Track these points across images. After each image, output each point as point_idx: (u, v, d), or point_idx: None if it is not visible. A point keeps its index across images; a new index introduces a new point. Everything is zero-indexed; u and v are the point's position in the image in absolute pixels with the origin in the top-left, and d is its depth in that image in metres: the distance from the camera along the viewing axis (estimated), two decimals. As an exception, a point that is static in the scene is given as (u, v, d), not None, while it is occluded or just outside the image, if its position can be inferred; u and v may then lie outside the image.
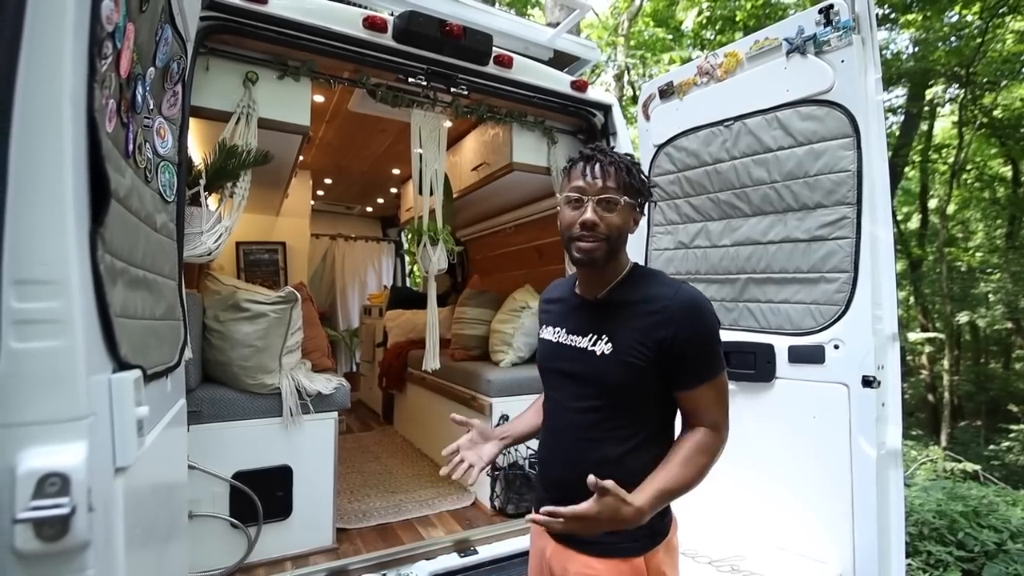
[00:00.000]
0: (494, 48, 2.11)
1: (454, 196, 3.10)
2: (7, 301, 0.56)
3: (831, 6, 1.61)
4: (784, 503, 1.66)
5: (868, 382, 1.50)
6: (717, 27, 8.86)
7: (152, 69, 1.14)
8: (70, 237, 0.60)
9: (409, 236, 2.35)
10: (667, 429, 1.06)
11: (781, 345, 1.70)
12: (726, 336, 1.86)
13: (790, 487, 1.64)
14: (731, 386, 1.81)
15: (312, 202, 4.39)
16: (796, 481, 1.63)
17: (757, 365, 1.74)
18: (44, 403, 0.57)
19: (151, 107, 1.20)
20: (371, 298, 5.03)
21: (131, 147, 1.03)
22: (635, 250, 2.29)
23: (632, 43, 8.49)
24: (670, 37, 8.59)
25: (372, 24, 1.90)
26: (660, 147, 2.11)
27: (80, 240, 0.61)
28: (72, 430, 0.58)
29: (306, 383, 1.91)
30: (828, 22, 1.62)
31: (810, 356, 1.63)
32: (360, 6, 2.10)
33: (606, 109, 2.44)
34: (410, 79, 2.06)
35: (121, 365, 0.73)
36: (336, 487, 1.98)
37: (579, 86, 2.34)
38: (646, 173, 1.05)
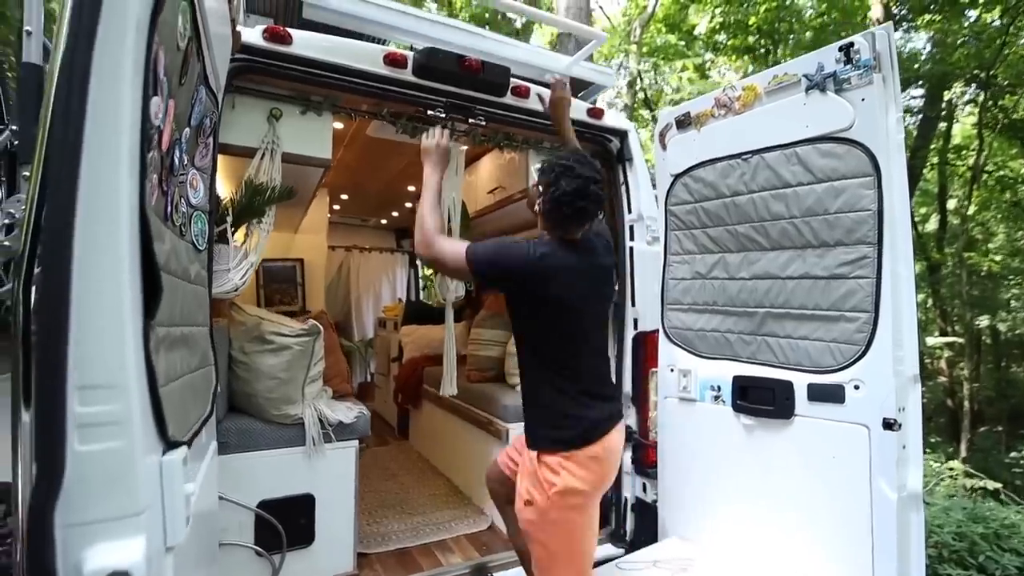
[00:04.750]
0: (511, 79, 2.13)
1: (470, 217, 3.13)
2: (71, 406, 0.59)
3: (851, 44, 1.60)
4: (803, 543, 1.66)
5: (889, 425, 1.50)
6: (731, 32, 8.81)
7: (187, 129, 1.18)
8: (128, 341, 0.63)
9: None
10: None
11: (800, 382, 1.70)
12: (744, 370, 1.87)
13: (809, 527, 1.64)
14: (749, 421, 1.83)
15: (328, 214, 4.46)
16: (815, 521, 1.63)
17: (776, 402, 1.74)
18: (106, 502, 0.61)
19: (185, 163, 1.24)
20: (386, 310, 5.09)
21: (169, 209, 1.07)
22: (651, 278, 2.31)
23: (644, 49, 8.46)
24: (682, 43, 8.54)
25: (393, 60, 1.94)
26: (677, 177, 2.12)
27: (136, 343, 0.65)
28: (132, 525, 0.62)
29: (328, 413, 1.95)
30: (848, 60, 1.61)
31: (830, 395, 1.63)
32: (380, 41, 2.14)
33: (622, 135, 2.45)
34: (429, 111, 2.09)
35: (169, 444, 0.77)
36: (357, 514, 2.02)
37: (595, 113, 2.36)
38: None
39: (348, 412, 2.01)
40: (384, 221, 5.50)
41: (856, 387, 1.58)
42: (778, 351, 1.80)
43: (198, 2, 0.96)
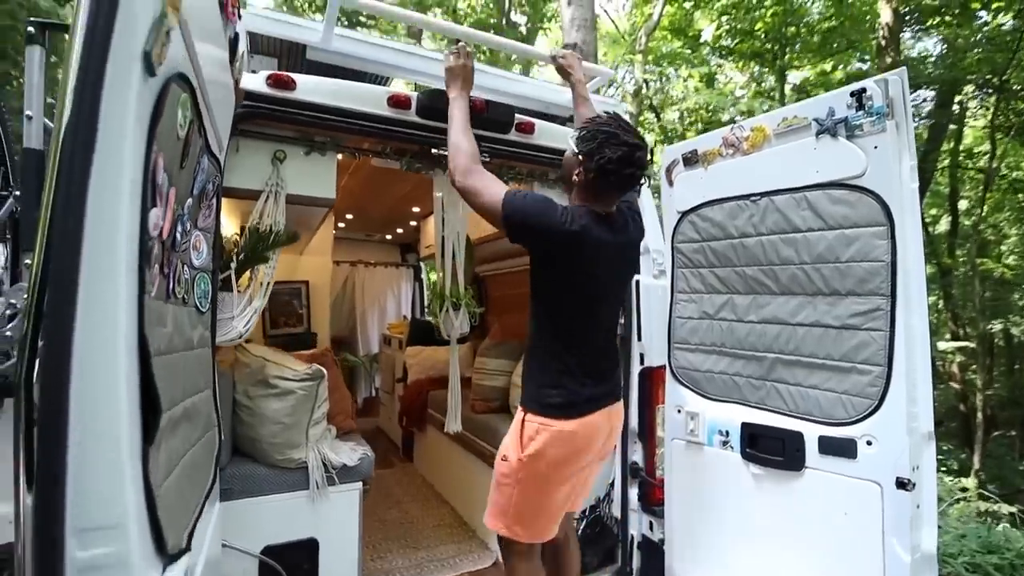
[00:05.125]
0: (516, 116, 2.12)
1: (473, 242, 3.11)
2: (71, 552, 0.58)
3: (863, 90, 1.57)
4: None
5: (902, 484, 1.46)
6: (737, 40, 8.74)
7: (190, 200, 1.17)
8: (127, 479, 0.62)
9: (431, 300, 2.38)
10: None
11: (811, 434, 1.67)
12: (753, 416, 1.84)
13: (820, 584, 1.61)
14: (758, 470, 1.80)
15: (333, 231, 4.46)
16: (827, 578, 1.60)
17: (786, 452, 1.71)
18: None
19: (188, 229, 1.22)
20: (391, 328, 5.09)
21: (171, 285, 1.05)
22: (658, 312, 2.28)
23: (650, 57, 8.41)
24: (689, 51, 8.48)
25: (397, 102, 1.93)
26: (684, 214, 2.09)
27: (135, 473, 0.64)
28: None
29: (332, 456, 1.94)
30: (860, 106, 1.58)
31: (841, 449, 1.59)
32: (383, 80, 2.13)
33: (628, 167, 2.43)
34: (433, 150, 2.08)
35: (169, 558, 0.75)
36: (361, 558, 2.00)
37: (601, 146, 2.33)
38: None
39: (352, 454, 2.00)
40: (389, 236, 5.50)
41: (868, 443, 1.54)
42: (788, 399, 1.77)
43: (200, 86, 0.94)
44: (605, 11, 11.80)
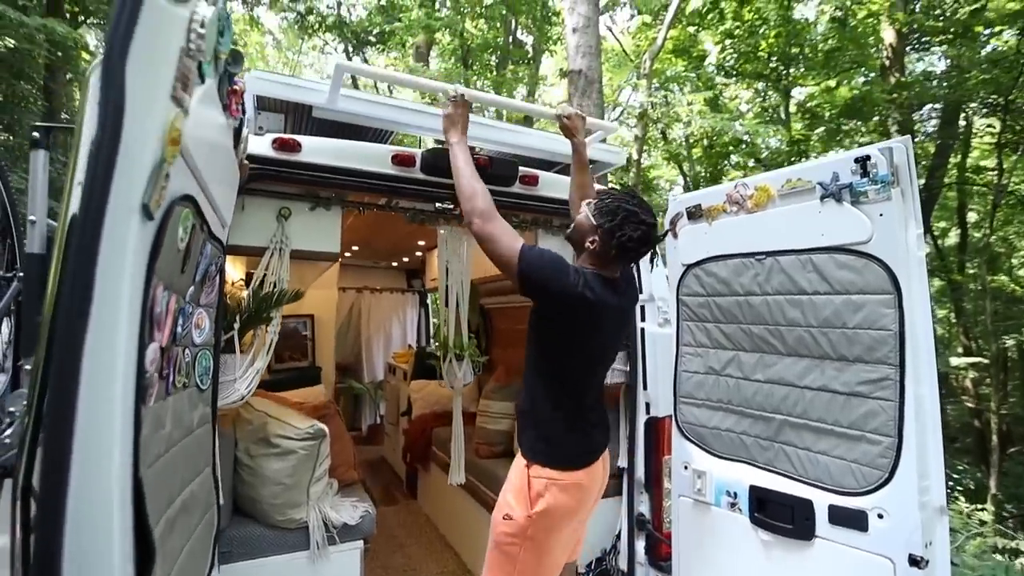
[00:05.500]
0: (520, 169, 2.13)
1: (477, 281, 3.11)
2: None
3: (868, 157, 1.56)
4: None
5: (915, 561, 1.42)
6: (741, 61, 8.78)
7: (192, 287, 1.18)
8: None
9: (436, 345, 2.37)
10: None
11: (821, 502, 1.63)
12: (761, 478, 1.80)
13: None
14: (767, 536, 1.76)
15: (339, 262, 4.48)
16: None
17: (795, 520, 1.67)
18: None
19: (189, 312, 1.23)
20: (396, 357, 5.07)
21: (171, 380, 1.05)
22: (663, 361, 2.26)
23: (655, 80, 8.46)
24: (693, 74, 8.52)
25: (401, 160, 1.94)
26: (689, 267, 2.08)
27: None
28: None
29: (333, 515, 1.92)
30: (865, 173, 1.57)
31: (852, 521, 1.55)
32: (387, 133, 2.15)
33: (632, 214, 2.43)
34: (437, 203, 2.09)
35: None
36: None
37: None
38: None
39: (353, 512, 1.98)
40: (395, 264, 5.52)
41: (880, 516, 1.51)
42: (796, 463, 1.73)
43: (203, 192, 0.95)
44: (610, 30, 11.93)
